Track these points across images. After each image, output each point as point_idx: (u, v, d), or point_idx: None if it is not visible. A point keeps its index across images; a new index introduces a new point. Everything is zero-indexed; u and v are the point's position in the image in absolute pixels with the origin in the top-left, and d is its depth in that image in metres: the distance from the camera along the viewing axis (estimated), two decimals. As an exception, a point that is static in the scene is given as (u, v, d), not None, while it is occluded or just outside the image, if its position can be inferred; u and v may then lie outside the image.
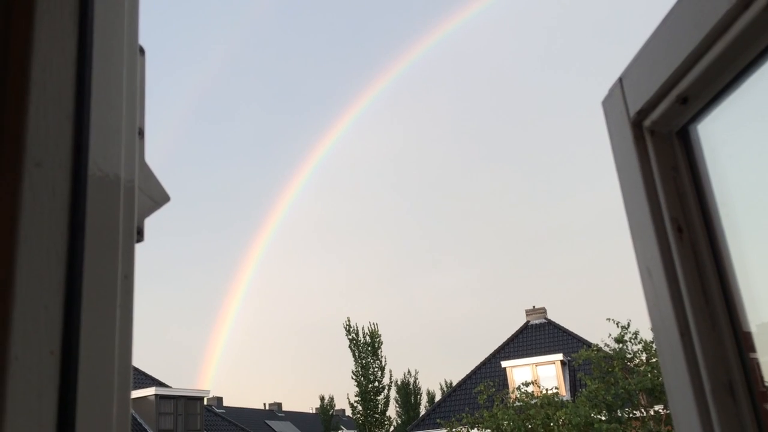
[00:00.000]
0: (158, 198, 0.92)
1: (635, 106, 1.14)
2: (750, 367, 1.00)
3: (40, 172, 0.55)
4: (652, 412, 17.30)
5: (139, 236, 0.81)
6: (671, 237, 1.08)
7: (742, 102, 1.03)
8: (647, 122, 1.14)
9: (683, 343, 1.04)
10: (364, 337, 35.09)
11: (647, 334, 17.93)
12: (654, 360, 17.11)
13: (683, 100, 1.05)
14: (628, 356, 17.66)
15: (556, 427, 17.34)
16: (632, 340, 17.75)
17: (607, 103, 1.25)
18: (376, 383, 34.56)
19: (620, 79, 1.20)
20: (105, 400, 0.58)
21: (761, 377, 1.00)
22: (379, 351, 35.05)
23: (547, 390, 18.94)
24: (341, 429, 42.59)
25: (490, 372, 29.38)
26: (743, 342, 1.01)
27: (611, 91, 1.23)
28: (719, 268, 1.05)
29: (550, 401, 18.01)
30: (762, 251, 1.07)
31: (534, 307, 32.39)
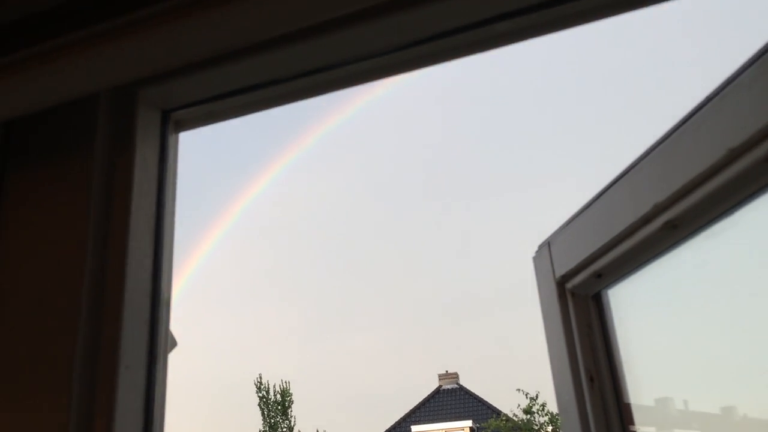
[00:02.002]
0: (172, 345, 1.09)
1: (560, 271, 1.40)
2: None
3: (128, 373, 0.72)
4: (555, 484, 17.69)
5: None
6: (585, 385, 1.32)
7: (641, 281, 1.30)
8: (569, 285, 1.39)
9: (591, 477, 1.27)
10: (274, 395, 34.30)
11: (554, 407, 18.47)
12: (559, 432, 17.61)
13: (598, 275, 1.31)
14: (535, 427, 18.10)
15: (463, 497, 17.41)
16: (539, 412, 18.26)
17: (537, 260, 1.50)
18: (284, 444, 33.61)
19: (548, 244, 1.46)
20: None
21: None
22: (289, 410, 34.28)
23: (456, 458, 19.05)
24: (243, 491, 40.90)
25: (400, 436, 29.23)
26: (638, 478, 1.25)
27: (540, 250, 1.49)
28: (622, 413, 1.29)
29: (458, 470, 18.11)
30: (658, 399, 1.33)
31: (447, 371, 32.71)
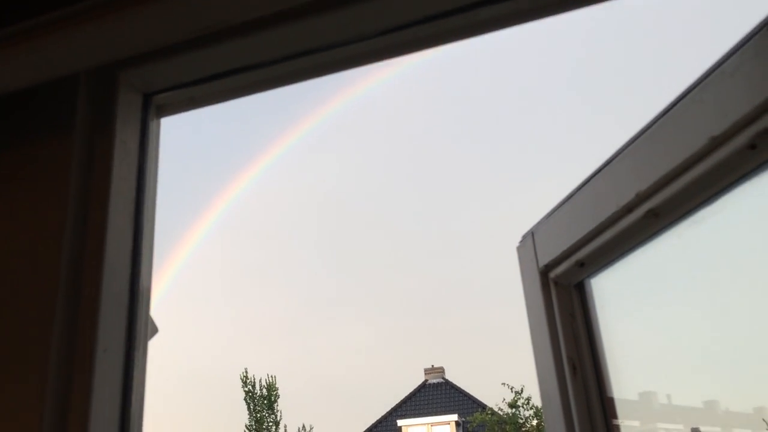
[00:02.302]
0: (153, 331, 1.08)
1: (543, 260, 1.40)
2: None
3: (106, 357, 0.71)
4: (540, 477, 17.83)
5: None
6: (567, 373, 1.32)
7: (623, 270, 1.30)
8: (552, 274, 1.39)
9: (573, 464, 1.27)
10: (260, 389, 34.26)
11: (539, 401, 18.59)
12: (544, 426, 17.72)
13: (581, 264, 1.32)
14: (520, 421, 18.23)
15: (448, 490, 17.50)
16: (524, 406, 18.38)
17: (520, 251, 1.50)
18: (270, 438, 33.61)
19: (532, 234, 1.46)
20: (139, 420, 0.74)
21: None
22: (275, 405, 34.26)
23: (441, 452, 19.15)
24: (229, 485, 40.86)
25: (386, 430, 29.31)
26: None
27: (524, 240, 1.49)
28: (603, 402, 1.30)
29: (443, 463, 18.21)
30: (639, 387, 1.34)
31: (432, 366, 32.80)
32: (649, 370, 1.36)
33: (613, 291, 1.38)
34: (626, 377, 1.33)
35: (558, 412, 1.32)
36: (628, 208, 1.15)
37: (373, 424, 30.49)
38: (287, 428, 37.60)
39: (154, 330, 1.14)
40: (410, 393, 31.74)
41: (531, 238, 1.46)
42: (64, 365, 0.69)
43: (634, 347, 1.37)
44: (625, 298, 1.39)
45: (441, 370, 32.54)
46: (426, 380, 32.15)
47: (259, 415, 33.46)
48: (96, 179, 0.78)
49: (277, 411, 33.99)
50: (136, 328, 0.78)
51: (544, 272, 1.41)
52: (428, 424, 27.32)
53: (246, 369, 34.14)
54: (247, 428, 33.33)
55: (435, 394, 31.34)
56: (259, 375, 35.60)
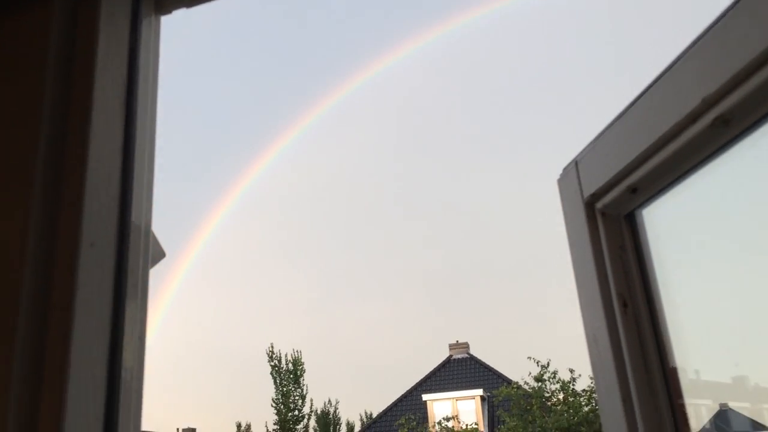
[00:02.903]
0: (159, 255, 0.97)
1: (589, 190, 1.27)
2: (682, 433, 1.12)
3: (93, 252, 0.60)
4: (566, 451, 17.75)
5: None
6: (617, 310, 1.20)
7: (682, 194, 1.16)
8: (599, 204, 1.26)
9: (625, 409, 1.15)
10: (286, 364, 34.60)
11: (565, 374, 18.50)
12: (571, 399, 17.63)
13: (633, 190, 1.18)
14: (546, 395, 18.12)
15: (473, 463, 17.53)
16: (551, 380, 18.25)
17: (562, 183, 1.37)
18: (296, 411, 34.04)
19: (576, 162, 1.33)
20: (138, 386, 0.64)
21: (692, 443, 1.12)
22: (301, 379, 34.61)
23: (467, 425, 19.17)
24: (256, 458, 41.56)
25: (410, 405, 29.44)
26: (677, 410, 1.13)
27: (567, 171, 1.36)
28: (658, 340, 1.17)
29: (469, 436, 18.23)
30: (696, 325, 1.21)
31: (457, 341, 32.79)
32: (706, 304, 1.23)
33: (668, 221, 1.24)
34: (682, 312, 1.20)
35: (607, 352, 1.19)
36: (692, 117, 1.01)
37: (398, 399, 30.65)
38: (313, 402, 38.00)
39: (161, 254, 1.03)
40: (435, 368, 31.80)
41: (574, 167, 1.32)
42: (42, 264, 0.58)
43: (691, 280, 1.24)
44: (683, 228, 1.25)
45: (465, 346, 32.52)
46: (451, 355, 32.16)
47: (285, 389, 33.83)
48: (77, 69, 0.66)
49: (303, 385, 34.33)
50: (126, 275, 0.66)
51: (590, 203, 1.28)
52: (453, 398, 27.36)
53: (271, 344, 34.48)
54: (274, 402, 33.75)
55: (460, 369, 31.36)
56: (285, 350, 35.93)
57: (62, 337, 0.56)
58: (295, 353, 34.73)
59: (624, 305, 1.20)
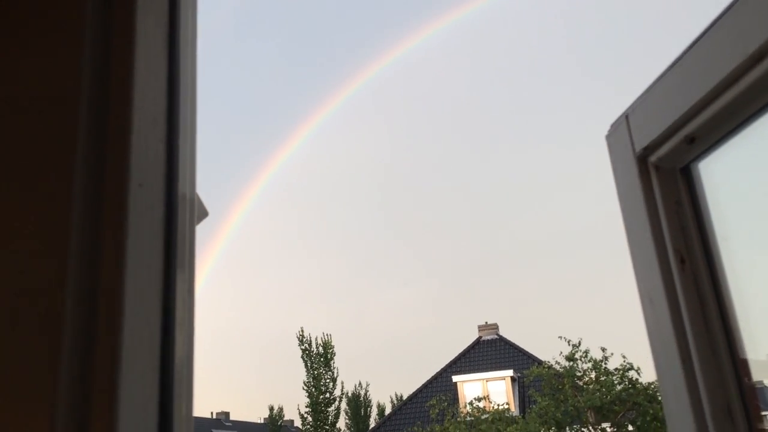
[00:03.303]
0: (202, 214, 0.95)
1: (641, 143, 1.21)
2: (747, 392, 1.07)
3: (142, 192, 0.57)
4: (600, 430, 17.65)
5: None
6: (674, 268, 1.15)
7: (743, 145, 1.10)
8: (653, 158, 1.20)
9: (684, 369, 1.10)
10: (317, 347, 34.91)
11: (597, 353, 18.33)
12: (603, 378, 17.50)
13: (690, 140, 1.12)
14: (578, 374, 18.00)
15: (506, 443, 17.53)
16: (582, 359, 18.11)
17: (611, 138, 1.31)
18: (327, 394, 34.38)
19: (626, 116, 1.27)
20: (188, 389, 0.61)
21: (757, 402, 1.07)
22: (332, 362, 34.90)
23: (498, 405, 19.16)
24: (289, 440, 42.12)
25: (441, 386, 29.52)
26: (740, 368, 1.08)
27: (616, 126, 1.30)
28: (719, 298, 1.12)
29: (501, 417, 18.21)
30: (759, 282, 1.15)
31: (486, 323, 32.73)
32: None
33: (728, 174, 1.18)
34: (743, 269, 1.14)
35: (664, 312, 1.14)
36: (758, 56, 0.95)
37: (428, 381, 30.74)
38: (344, 385, 38.29)
39: (204, 213, 1.01)
40: (464, 349, 31.80)
41: (625, 121, 1.27)
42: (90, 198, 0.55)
43: (753, 242, 1.18)
44: (745, 183, 1.19)
45: (495, 327, 32.44)
46: (480, 337, 32.11)
47: (316, 372, 34.15)
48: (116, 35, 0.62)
49: (334, 368, 34.61)
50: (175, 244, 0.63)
51: (643, 157, 1.22)
52: (483, 379, 27.37)
53: (302, 328, 34.76)
54: (305, 385, 34.10)
55: (489, 350, 31.31)
56: (315, 334, 36.20)
57: (114, 290, 0.53)
58: (325, 337, 35.01)
59: (681, 262, 1.15)
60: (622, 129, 1.28)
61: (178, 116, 0.65)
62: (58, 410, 0.50)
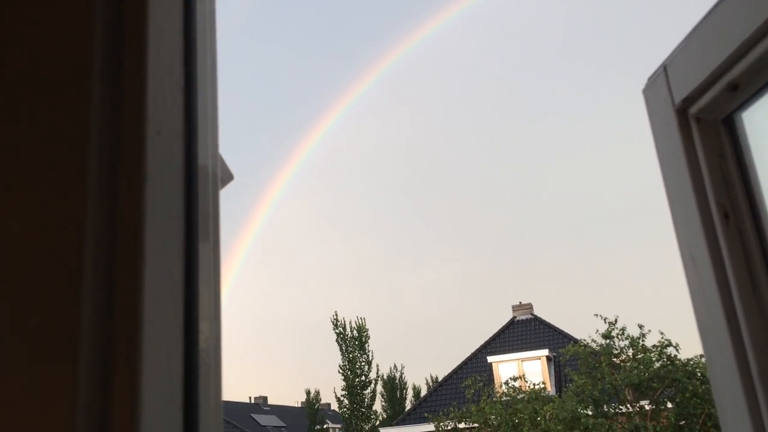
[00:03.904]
0: (227, 178, 0.93)
1: (681, 94, 1.16)
2: (798, 350, 1.02)
3: (161, 140, 0.55)
4: (638, 408, 17.48)
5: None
6: (717, 223, 1.10)
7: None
8: (693, 109, 1.15)
9: (730, 329, 1.06)
10: (351, 331, 35.15)
11: (634, 330, 18.13)
12: (641, 356, 17.29)
13: (733, 87, 1.07)
14: (615, 352, 17.81)
15: (543, 422, 17.48)
16: (619, 336, 17.91)
17: (648, 91, 1.26)
18: (363, 377, 34.65)
19: (664, 67, 1.21)
20: (215, 355, 0.59)
21: (809, 360, 1.02)
22: (366, 345, 35.12)
23: (534, 385, 19.09)
24: (327, 423, 42.65)
25: (476, 367, 29.52)
26: (790, 326, 1.03)
27: (653, 79, 1.24)
28: (765, 254, 1.07)
29: (537, 396, 18.15)
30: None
31: (520, 302, 32.56)
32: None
33: (772, 124, 1.12)
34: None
35: (707, 269, 1.10)
36: (807, -8, 0.89)
37: (463, 362, 30.76)
38: (379, 368, 38.54)
39: (229, 177, 0.99)
40: (499, 330, 31.70)
41: (663, 72, 1.21)
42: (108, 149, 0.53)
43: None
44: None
45: (529, 307, 32.26)
46: (514, 317, 31.97)
47: (351, 356, 34.41)
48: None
49: (369, 351, 34.83)
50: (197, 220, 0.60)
51: (682, 109, 1.17)
52: (519, 359, 27.28)
53: (336, 312, 35.01)
54: (341, 368, 34.40)
55: (524, 330, 31.17)
56: (350, 318, 36.45)
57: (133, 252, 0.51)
58: (359, 320, 35.21)
59: (725, 216, 1.10)
60: (660, 81, 1.22)
61: (196, 66, 0.63)
62: (80, 380, 0.48)
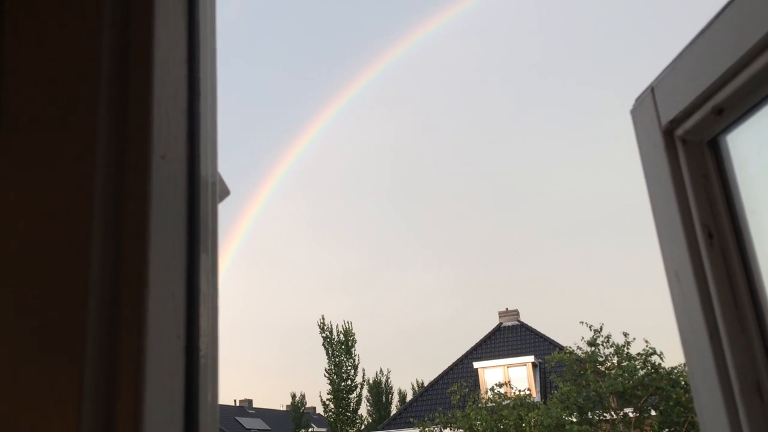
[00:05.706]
0: (224, 193, 0.94)
1: (667, 116, 1.19)
2: (777, 368, 1.05)
3: (165, 164, 0.57)
4: (622, 415, 17.58)
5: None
6: (701, 242, 1.12)
7: (773, 115, 1.07)
8: (679, 131, 1.18)
9: (712, 345, 1.08)
10: (337, 335, 35.10)
11: (619, 338, 18.24)
12: (625, 363, 17.39)
13: (719, 111, 1.10)
14: (600, 359, 17.91)
15: (528, 428, 17.53)
16: (604, 344, 18.01)
17: (636, 112, 1.29)
18: (349, 381, 34.59)
19: (651, 89, 1.24)
20: (213, 374, 0.61)
21: (788, 378, 1.05)
22: (353, 349, 35.08)
23: (519, 391, 19.14)
24: (312, 427, 42.51)
25: (461, 372, 29.56)
26: (771, 344, 1.06)
27: (641, 99, 1.27)
28: (748, 273, 1.10)
29: (522, 402, 18.20)
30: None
31: (507, 309, 32.67)
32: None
33: (757, 147, 1.15)
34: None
35: (691, 287, 1.12)
36: (790, 22, 0.92)
37: (449, 367, 30.79)
38: (365, 372, 38.54)
39: (226, 192, 1.01)
40: (485, 336, 31.76)
41: (650, 94, 1.24)
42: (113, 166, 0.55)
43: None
44: (772, 153, 1.16)
45: (515, 313, 32.36)
46: (501, 323, 32.06)
47: (337, 360, 34.35)
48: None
49: (355, 355, 34.79)
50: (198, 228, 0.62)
51: (669, 131, 1.20)
52: (504, 365, 27.35)
53: (322, 316, 34.96)
54: (327, 372, 34.32)
55: (510, 336, 31.25)
56: (336, 322, 36.42)
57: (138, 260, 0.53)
58: (346, 324, 35.16)
59: (709, 236, 1.12)
60: (647, 102, 1.25)
61: (198, 92, 0.65)
62: (85, 385, 0.49)
